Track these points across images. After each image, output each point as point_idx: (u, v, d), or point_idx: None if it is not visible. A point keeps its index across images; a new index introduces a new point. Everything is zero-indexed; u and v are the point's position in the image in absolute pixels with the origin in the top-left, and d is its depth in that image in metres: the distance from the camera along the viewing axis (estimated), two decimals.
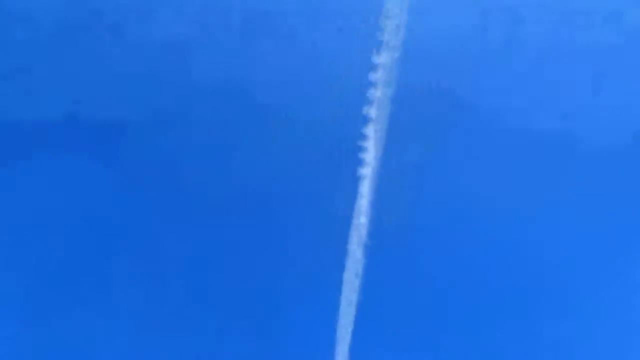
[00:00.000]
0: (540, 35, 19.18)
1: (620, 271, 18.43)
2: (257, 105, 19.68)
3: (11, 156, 18.55)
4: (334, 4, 18.90)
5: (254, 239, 19.66)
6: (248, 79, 19.44)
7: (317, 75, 19.09)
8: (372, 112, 18.92)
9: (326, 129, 19.29)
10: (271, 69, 19.63)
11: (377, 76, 18.71)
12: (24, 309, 18.14)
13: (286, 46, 19.02)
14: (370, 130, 19.06)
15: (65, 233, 18.42)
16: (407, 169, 19.20)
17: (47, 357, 17.79)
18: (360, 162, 19.27)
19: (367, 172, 19.33)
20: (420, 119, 18.79)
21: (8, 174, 18.36)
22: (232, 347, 18.54)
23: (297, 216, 19.78)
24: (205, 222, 19.14)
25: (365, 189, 19.42)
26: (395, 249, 19.48)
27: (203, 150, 19.34)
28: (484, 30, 19.23)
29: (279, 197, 19.27)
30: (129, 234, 18.43)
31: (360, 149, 19.14)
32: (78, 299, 17.94)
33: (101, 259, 18.18)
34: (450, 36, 19.14)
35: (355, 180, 19.29)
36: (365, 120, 18.97)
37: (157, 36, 18.72)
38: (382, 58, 18.63)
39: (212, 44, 19.46)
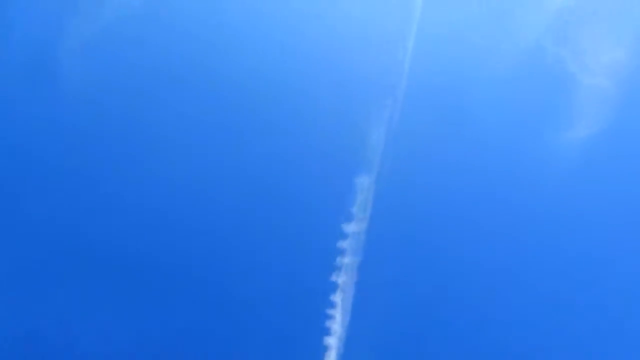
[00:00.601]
0: None
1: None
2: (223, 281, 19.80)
3: None
4: (307, 175, 20.07)
5: None
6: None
7: (286, 241, 19.57)
8: (340, 279, 19.12)
9: (294, 296, 19.25)
10: (243, 238, 20.10)
11: (345, 244, 19.28)
12: None
13: (258, 210, 19.80)
14: (337, 298, 19.06)
15: None
16: (374, 339, 18.87)
17: None
18: (327, 331, 18.93)
19: (334, 341, 18.91)
20: (386, 285, 19.00)
21: None
22: None
23: None
24: None
25: None
26: None
27: None
28: (451, 208, 20.42)
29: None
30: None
31: (328, 316, 18.94)
32: None
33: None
34: (415, 212, 20.21)
35: (322, 350, 18.81)
36: (334, 287, 19.08)
37: None
38: (352, 227, 19.37)
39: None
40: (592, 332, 19.66)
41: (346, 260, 19.20)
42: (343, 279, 19.09)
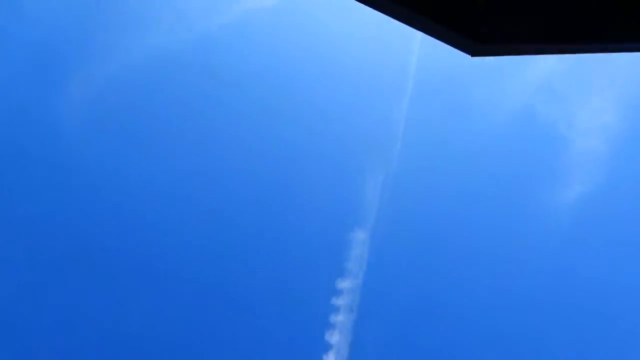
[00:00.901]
0: None
1: None
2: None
3: None
4: (301, 231, 19.94)
5: None
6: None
7: (279, 297, 19.25)
8: (334, 338, 18.72)
9: (286, 356, 18.80)
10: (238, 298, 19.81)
11: (340, 301, 18.99)
12: None
13: (252, 264, 19.55)
14: (331, 358, 18.62)
15: None
16: None
17: None
18: None
19: None
20: (382, 345, 18.62)
21: None
22: None
23: None
24: None
25: None
26: None
27: None
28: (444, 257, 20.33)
29: None
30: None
31: None
32: None
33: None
34: (410, 268, 20.08)
35: None
36: (327, 346, 18.67)
37: None
38: (346, 284, 19.14)
39: None
40: None
41: (340, 318, 18.86)
42: (337, 338, 18.69)
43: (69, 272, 18.43)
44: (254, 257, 20.07)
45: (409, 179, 20.12)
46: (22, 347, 17.80)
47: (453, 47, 3.68)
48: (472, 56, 3.89)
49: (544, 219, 21.37)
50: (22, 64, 20.12)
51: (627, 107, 20.75)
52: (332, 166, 20.21)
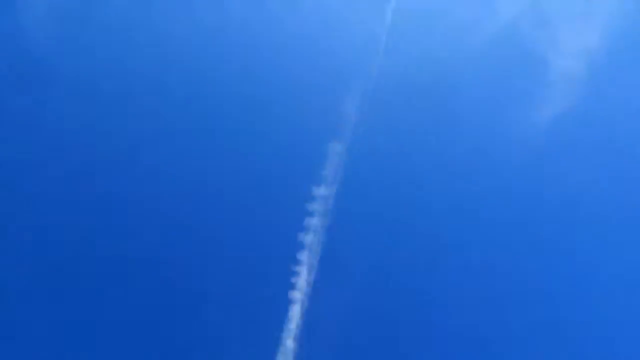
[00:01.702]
0: None
1: None
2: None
3: None
4: (281, 139, 21.06)
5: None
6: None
7: (256, 198, 20.70)
8: (307, 239, 20.29)
9: (261, 249, 20.48)
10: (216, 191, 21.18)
11: (314, 206, 20.40)
12: None
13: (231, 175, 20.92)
14: (304, 256, 20.27)
15: None
16: (338, 296, 20.11)
17: None
18: (292, 286, 20.18)
19: (298, 296, 20.17)
20: (352, 247, 20.20)
21: None
22: None
23: (226, 334, 20.14)
24: None
25: (295, 314, 20.12)
26: None
27: None
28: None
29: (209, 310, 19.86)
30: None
31: (293, 273, 20.17)
32: None
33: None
34: (384, 180, 21.27)
35: (286, 303, 20.08)
36: (301, 246, 20.28)
37: None
38: (321, 190, 20.46)
39: None
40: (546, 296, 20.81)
41: (314, 221, 20.33)
42: (310, 238, 20.25)
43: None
44: (232, 160, 21.30)
45: (388, 91, 20.83)
46: None
47: None
48: None
49: (517, 140, 21.93)
50: None
51: (611, 34, 20.87)
52: (312, 79, 20.97)
